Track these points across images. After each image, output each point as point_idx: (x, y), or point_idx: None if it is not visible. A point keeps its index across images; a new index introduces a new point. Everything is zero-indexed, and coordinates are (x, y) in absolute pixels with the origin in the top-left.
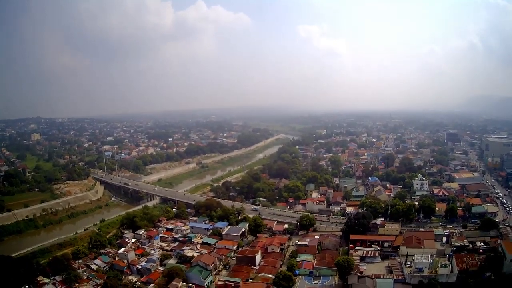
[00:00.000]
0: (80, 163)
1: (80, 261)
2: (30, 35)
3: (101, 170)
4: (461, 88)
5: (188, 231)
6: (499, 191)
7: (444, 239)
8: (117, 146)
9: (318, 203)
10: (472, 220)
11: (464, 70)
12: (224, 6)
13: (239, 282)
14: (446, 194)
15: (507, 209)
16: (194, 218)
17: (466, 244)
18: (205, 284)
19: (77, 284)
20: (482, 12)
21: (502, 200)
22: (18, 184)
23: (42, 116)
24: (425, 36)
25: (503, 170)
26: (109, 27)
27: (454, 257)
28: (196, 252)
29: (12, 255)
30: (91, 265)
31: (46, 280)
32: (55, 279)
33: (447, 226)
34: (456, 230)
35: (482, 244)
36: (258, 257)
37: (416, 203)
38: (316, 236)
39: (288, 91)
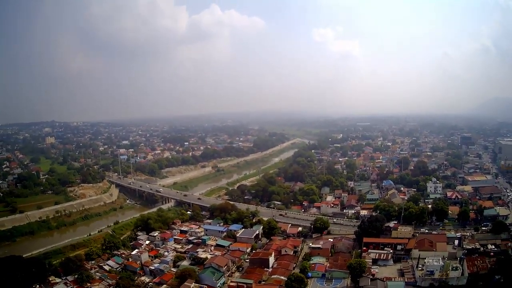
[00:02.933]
0: (95, 166)
1: (93, 262)
2: (44, 38)
3: (116, 174)
4: (475, 91)
5: (202, 233)
6: (511, 194)
7: (456, 242)
8: (132, 149)
9: (333, 206)
10: (484, 223)
11: (477, 73)
12: (238, 10)
13: (251, 283)
14: (459, 197)
15: None
16: (209, 221)
17: (478, 247)
18: (218, 285)
19: (89, 284)
20: (494, 15)
21: None
22: (32, 187)
23: (56, 120)
24: (438, 39)
25: None
26: (123, 30)
27: (465, 260)
28: (210, 254)
29: (23, 255)
30: (104, 266)
31: (58, 280)
32: (66, 279)
33: (459, 229)
34: (468, 233)
35: (493, 247)
36: (272, 259)
37: (430, 206)
38: (329, 239)
39: (303, 95)
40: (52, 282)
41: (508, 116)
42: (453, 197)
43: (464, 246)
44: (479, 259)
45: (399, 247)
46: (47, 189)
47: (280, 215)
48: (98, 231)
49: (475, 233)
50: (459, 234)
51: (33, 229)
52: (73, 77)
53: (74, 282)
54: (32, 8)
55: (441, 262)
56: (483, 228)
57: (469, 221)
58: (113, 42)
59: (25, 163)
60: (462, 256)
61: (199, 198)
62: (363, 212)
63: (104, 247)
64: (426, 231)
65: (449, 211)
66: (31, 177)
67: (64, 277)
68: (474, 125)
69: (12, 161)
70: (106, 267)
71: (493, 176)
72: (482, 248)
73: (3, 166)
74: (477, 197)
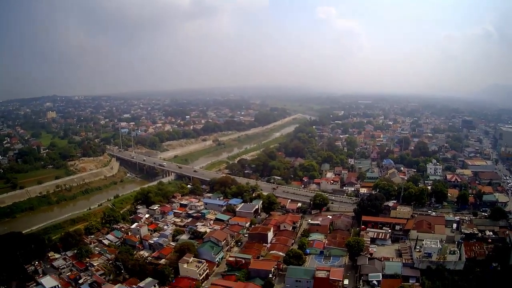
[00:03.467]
0: (95, 140)
1: (92, 236)
2: (46, 15)
3: (117, 147)
4: (477, 76)
5: (202, 207)
6: (510, 181)
7: (455, 225)
8: (133, 123)
9: (332, 183)
10: (483, 208)
11: (480, 58)
12: None
13: (250, 259)
14: (459, 180)
15: None
16: (209, 195)
17: (476, 232)
18: (216, 260)
19: (88, 259)
20: (497, 1)
21: None
22: (32, 162)
23: (58, 94)
24: (441, 22)
25: None
26: (126, 6)
27: (463, 244)
28: (209, 228)
29: (23, 232)
30: (103, 240)
31: (57, 256)
32: (66, 254)
33: (458, 212)
34: (466, 217)
35: (491, 233)
36: (270, 234)
37: (429, 187)
38: (328, 216)
39: (306, 71)
40: (51, 257)
41: (508, 103)
42: (453, 180)
43: (462, 230)
44: (477, 244)
45: (397, 227)
46: (47, 164)
47: (273, 189)
48: (98, 205)
49: (473, 217)
50: (458, 217)
51: (33, 204)
52: (76, 52)
53: (73, 257)
54: None
55: (439, 245)
56: (482, 213)
57: (468, 205)
58: (117, 18)
59: (26, 138)
60: (460, 241)
61: (194, 171)
62: (363, 190)
63: (103, 221)
64: (425, 212)
65: (449, 194)
66: (31, 152)
67: (63, 252)
68: (475, 110)
69: (13, 136)
70: (106, 242)
71: (493, 162)
72: (480, 234)
73: (4, 142)
74: (477, 182)
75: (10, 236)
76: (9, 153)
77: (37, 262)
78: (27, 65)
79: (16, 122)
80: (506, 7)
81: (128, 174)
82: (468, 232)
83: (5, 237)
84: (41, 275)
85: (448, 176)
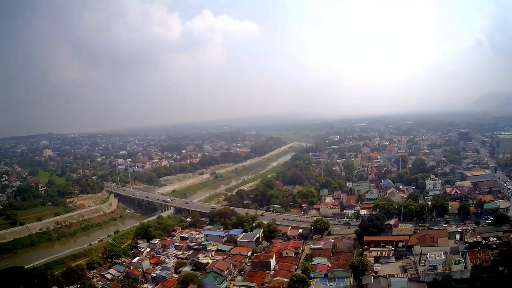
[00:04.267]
0: (93, 177)
1: (94, 271)
2: (37, 50)
3: (114, 183)
4: (471, 87)
5: (203, 239)
6: (510, 186)
7: (458, 236)
8: (130, 159)
9: (332, 207)
10: (485, 216)
11: (473, 68)
12: (230, 15)
13: (254, 286)
14: (459, 192)
15: None
16: (209, 227)
17: (479, 240)
18: None
19: None
20: (487, 8)
21: None
22: (31, 199)
23: (53, 132)
24: (431, 36)
25: None
26: (116, 40)
27: (467, 253)
28: (211, 259)
29: (25, 267)
30: (105, 275)
31: None
32: None
33: (460, 223)
34: (469, 227)
35: (495, 239)
36: (273, 261)
37: (429, 202)
38: (330, 239)
39: (299, 99)
40: None
41: (504, 110)
42: (453, 192)
43: (465, 240)
44: (481, 251)
45: (400, 244)
46: (46, 201)
47: (273, 219)
48: (99, 241)
49: (476, 226)
50: (460, 228)
51: (33, 240)
52: (68, 89)
53: None
54: (24, 20)
55: (443, 257)
56: (484, 222)
57: (470, 215)
58: (106, 52)
59: (24, 176)
60: (464, 250)
61: (186, 203)
62: (363, 212)
63: (105, 256)
64: (427, 227)
65: (449, 207)
66: (30, 189)
67: (66, 287)
68: (471, 121)
69: (11, 174)
70: (108, 276)
71: (492, 170)
72: (484, 241)
73: (2, 180)
74: (477, 192)
75: (12, 271)
76: (7, 190)
77: None
78: (21, 101)
79: (13, 159)
80: (495, 13)
81: (127, 210)
82: (472, 241)
83: (7, 272)
84: None
85: (448, 190)
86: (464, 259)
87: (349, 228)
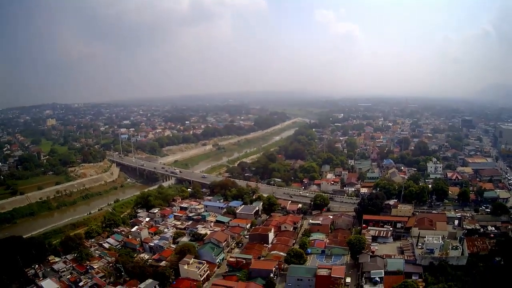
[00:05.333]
0: (95, 146)
1: (92, 240)
2: (46, 22)
3: (117, 153)
4: (475, 76)
5: (202, 210)
6: (511, 177)
7: (456, 222)
8: (133, 129)
9: (333, 184)
10: (484, 205)
11: (478, 58)
12: None
13: (251, 259)
14: (460, 178)
15: None
16: (209, 198)
17: (478, 227)
18: (217, 261)
19: (88, 262)
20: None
21: None
22: (33, 168)
23: (57, 102)
24: (439, 24)
25: None
26: (124, 13)
27: (465, 240)
28: (209, 230)
29: (24, 236)
30: (103, 244)
31: (57, 259)
32: (66, 258)
33: (459, 209)
34: (468, 214)
35: (493, 228)
36: (271, 235)
37: (430, 185)
38: (329, 216)
39: (305, 76)
40: (51, 261)
41: (508, 102)
42: (454, 177)
43: (464, 226)
44: (479, 240)
45: (399, 225)
46: (48, 170)
47: (273, 193)
48: (98, 210)
49: (475, 214)
50: (459, 214)
51: (33, 210)
52: (75, 60)
53: (74, 261)
54: None
55: (440, 241)
56: (483, 210)
57: (469, 202)
58: (115, 26)
59: (26, 145)
60: (462, 236)
61: (180, 171)
62: (363, 190)
63: (104, 225)
64: (426, 210)
65: (449, 192)
66: (32, 158)
67: (64, 256)
68: (475, 109)
69: (13, 143)
70: (106, 245)
71: (493, 159)
72: (482, 229)
73: (4, 149)
74: (478, 179)
75: (11, 240)
76: (9, 160)
77: (37, 266)
78: (27, 72)
79: (16, 129)
80: (504, 5)
81: (128, 180)
82: (470, 228)
83: (6, 241)
84: (41, 278)
85: (449, 174)
86: (461, 246)
87: (349, 205)
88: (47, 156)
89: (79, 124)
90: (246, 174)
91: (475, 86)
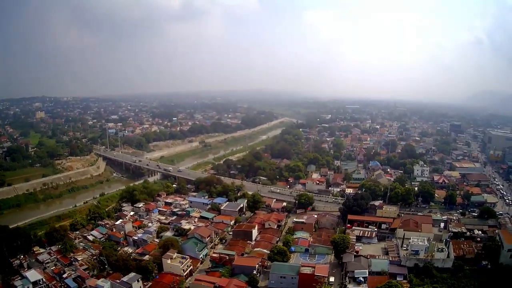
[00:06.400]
0: (83, 140)
1: (77, 232)
2: (36, 13)
3: (104, 147)
4: (467, 83)
5: (187, 205)
6: (499, 183)
7: (442, 224)
8: (121, 124)
9: (318, 184)
10: (471, 209)
11: (470, 64)
12: None
13: (234, 255)
14: (446, 181)
15: (507, 200)
16: (194, 194)
17: (464, 231)
18: (200, 256)
19: (72, 254)
20: (488, 7)
21: (502, 192)
22: (20, 160)
23: (47, 95)
24: (431, 29)
25: (505, 163)
26: (116, 7)
27: (451, 242)
28: (193, 226)
29: (10, 227)
30: (88, 236)
31: (42, 250)
32: (50, 249)
33: (446, 212)
34: (454, 217)
35: (480, 232)
36: (255, 232)
37: (416, 188)
38: (314, 215)
39: (294, 76)
40: (36, 252)
41: (498, 109)
42: (440, 181)
43: (450, 229)
44: (465, 243)
45: (383, 226)
46: (35, 162)
47: (258, 190)
48: (84, 203)
49: (461, 217)
50: (445, 217)
51: (20, 201)
52: (65, 54)
53: (58, 252)
54: None
55: (426, 243)
56: (470, 214)
57: (456, 205)
58: (106, 19)
59: (15, 137)
60: (448, 239)
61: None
62: (349, 191)
63: (89, 218)
64: (412, 212)
65: (436, 195)
66: (20, 150)
67: (48, 247)
68: (464, 115)
69: (2, 135)
70: (90, 237)
71: (481, 165)
72: (468, 233)
73: None
74: (465, 183)
75: None
76: None
77: (22, 256)
78: (17, 64)
79: (6, 121)
80: (497, 13)
81: (114, 174)
82: (456, 231)
83: None
84: (26, 269)
85: (436, 178)
86: (447, 248)
87: (334, 205)
88: (35, 148)
89: (68, 117)
90: (231, 172)
91: (465, 93)
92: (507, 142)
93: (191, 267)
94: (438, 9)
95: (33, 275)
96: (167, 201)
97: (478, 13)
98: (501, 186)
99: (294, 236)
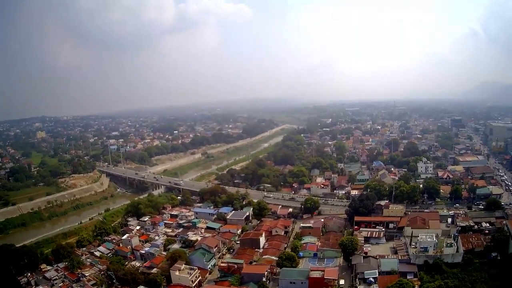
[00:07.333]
0: (85, 157)
1: (84, 248)
2: (31, 33)
3: (106, 163)
4: (465, 76)
5: (193, 217)
6: (503, 174)
7: (449, 220)
8: (122, 140)
9: (323, 187)
10: (477, 202)
11: (467, 57)
12: None
13: (242, 263)
14: (451, 176)
15: None
16: (199, 205)
17: (472, 224)
18: (208, 267)
19: (79, 270)
20: None
21: (507, 183)
22: (24, 180)
23: (46, 115)
24: (427, 23)
25: (508, 154)
26: (110, 23)
27: (459, 237)
28: (200, 237)
29: (16, 245)
30: (95, 252)
31: (49, 268)
32: (58, 266)
33: (452, 207)
34: (461, 211)
35: (487, 224)
36: (262, 239)
37: (421, 185)
38: (320, 219)
39: (292, 83)
40: (43, 270)
41: (497, 100)
42: (445, 176)
43: (457, 223)
44: (473, 236)
45: (391, 225)
46: (38, 181)
47: (264, 196)
48: (89, 219)
49: (468, 211)
50: (452, 212)
51: (25, 220)
52: (62, 72)
53: (65, 269)
54: (18, 3)
55: (434, 239)
56: (476, 207)
57: (462, 199)
58: (100, 36)
59: (17, 157)
60: (456, 234)
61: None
62: (354, 192)
63: (95, 234)
64: (418, 209)
65: (441, 190)
66: (22, 170)
67: (56, 264)
68: (464, 109)
69: (4, 156)
70: (97, 253)
71: (484, 157)
72: (476, 226)
73: None
74: (469, 177)
75: (3, 249)
76: (0, 172)
77: (29, 274)
78: (14, 84)
79: (7, 142)
80: (490, 4)
81: (118, 189)
82: (464, 225)
83: None
84: (33, 287)
85: (440, 173)
86: (456, 243)
87: (340, 208)
88: (38, 168)
89: (69, 136)
90: (235, 181)
91: (463, 86)
92: (509, 132)
93: (200, 277)
94: (432, 3)
95: None
96: (172, 213)
97: (471, 3)
98: (506, 177)
99: (302, 241)
